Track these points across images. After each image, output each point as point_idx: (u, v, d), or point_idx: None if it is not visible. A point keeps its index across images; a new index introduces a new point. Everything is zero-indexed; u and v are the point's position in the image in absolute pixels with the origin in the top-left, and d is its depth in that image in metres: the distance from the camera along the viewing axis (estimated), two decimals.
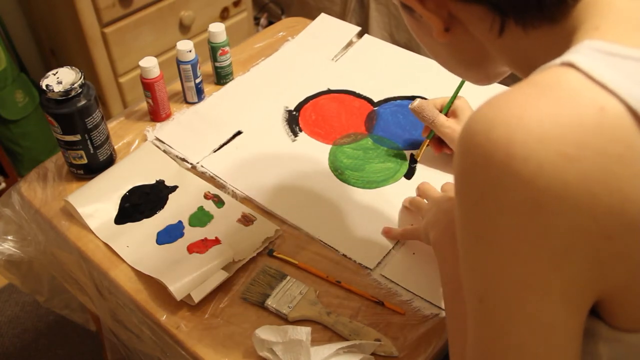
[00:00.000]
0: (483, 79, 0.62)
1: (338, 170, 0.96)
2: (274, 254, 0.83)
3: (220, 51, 1.09)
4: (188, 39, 1.25)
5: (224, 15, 1.90)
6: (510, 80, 0.56)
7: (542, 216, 0.40)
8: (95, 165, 0.94)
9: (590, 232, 0.40)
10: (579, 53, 0.42)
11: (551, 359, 0.43)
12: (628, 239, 0.40)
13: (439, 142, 0.95)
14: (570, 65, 0.41)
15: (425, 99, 1.08)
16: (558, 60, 0.42)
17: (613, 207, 0.39)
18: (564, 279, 0.42)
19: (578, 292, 0.43)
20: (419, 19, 0.56)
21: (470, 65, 0.60)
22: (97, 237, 0.86)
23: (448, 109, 0.92)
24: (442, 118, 0.90)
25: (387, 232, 0.85)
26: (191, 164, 0.97)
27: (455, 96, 0.92)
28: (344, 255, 0.83)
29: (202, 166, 0.97)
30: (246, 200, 0.92)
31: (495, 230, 0.42)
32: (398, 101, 1.09)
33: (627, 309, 0.45)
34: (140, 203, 0.90)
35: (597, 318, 0.46)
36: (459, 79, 0.96)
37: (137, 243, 0.85)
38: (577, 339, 0.45)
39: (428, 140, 0.95)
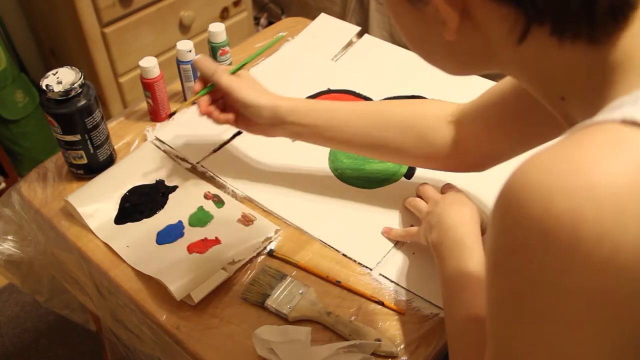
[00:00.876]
0: (460, 74, 0.56)
1: (338, 170, 0.96)
2: (274, 254, 0.83)
3: (220, 51, 1.09)
4: (188, 39, 1.25)
5: (224, 15, 1.90)
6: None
7: (613, 304, 0.34)
8: (95, 165, 0.94)
9: None
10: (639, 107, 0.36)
11: None
12: None
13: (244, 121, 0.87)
14: (635, 123, 0.35)
15: (425, 98, 1.08)
16: (616, 116, 0.36)
17: None
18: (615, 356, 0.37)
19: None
20: (422, 10, 0.48)
21: (464, 64, 0.54)
22: (97, 237, 0.86)
23: (236, 71, 0.88)
24: (222, 67, 0.84)
25: (387, 232, 0.85)
26: (191, 164, 0.97)
27: (244, 64, 0.90)
28: (344, 255, 0.83)
29: (202, 166, 0.97)
30: (246, 200, 0.92)
31: (554, 314, 0.36)
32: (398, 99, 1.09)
33: None
34: (140, 203, 0.90)
35: None
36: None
37: (137, 243, 0.85)
38: None
39: (195, 98, 0.86)
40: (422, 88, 1.11)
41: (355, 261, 0.83)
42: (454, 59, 0.53)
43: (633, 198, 0.33)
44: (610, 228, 0.33)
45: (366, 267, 0.82)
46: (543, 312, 0.36)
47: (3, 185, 1.82)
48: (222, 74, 0.83)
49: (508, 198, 0.36)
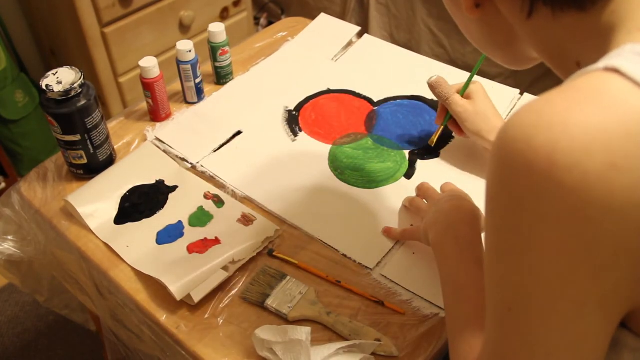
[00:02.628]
0: (512, 62, 0.61)
1: (338, 170, 0.96)
2: (274, 254, 0.83)
3: (220, 51, 1.09)
4: (188, 39, 1.25)
5: (224, 15, 1.90)
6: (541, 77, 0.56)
7: (585, 227, 0.39)
8: (95, 165, 0.94)
9: (634, 245, 0.39)
10: (623, 58, 0.40)
11: None
12: None
13: (457, 124, 0.94)
14: (615, 70, 0.40)
15: (425, 98, 1.08)
16: (601, 65, 0.41)
17: None
18: (602, 290, 0.41)
19: (615, 302, 0.42)
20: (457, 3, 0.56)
21: (500, 45, 0.59)
22: (97, 237, 0.86)
23: (464, 92, 0.92)
24: (457, 97, 0.90)
25: (387, 232, 0.85)
26: (191, 163, 0.97)
27: (471, 79, 0.92)
28: (344, 255, 0.83)
29: (202, 166, 0.97)
30: (246, 200, 0.92)
31: (533, 240, 0.41)
32: (398, 101, 1.09)
33: None
34: (140, 203, 0.90)
35: (623, 327, 0.46)
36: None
37: (137, 243, 0.85)
38: (604, 349, 0.44)
39: (442, 127, 0.95)
40: (422, 88, 1.11)
41: (355, 261, 0.83)
42: (490, 43, 0.60)
43: (602, 133, 0.37)
44: (579, 158, 0.37)
45: (366, 267, 0.82)
46: (529, 241, 0.41)
47: (3, 185, 1.82)
48: (454, 102, 0.90)
49: (501, 137, 0.41)
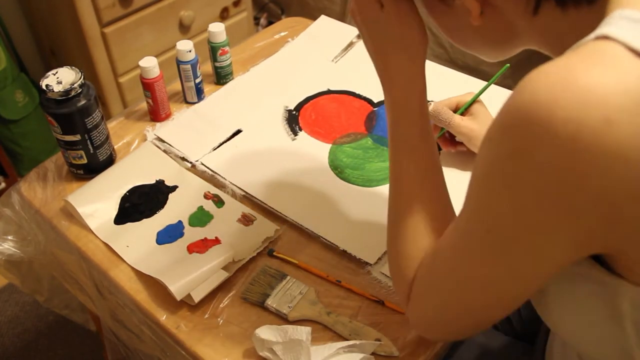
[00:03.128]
0: (500, 56, 0.63)
1: (338, 169, 0.96)
2: (274, 253, 0.83)
3: (220, 51, 1.09)
4: (188, 39, 1.25)
5: (224, 15, 1.90)
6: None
7: (573, 176, 0.42)
8: (95, 165, 0.94)
9: (616, 194, 0.42)
10: (612, 25, 0.43)
11: (515, 297, 0.53)
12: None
13: (450, 140, 0.95)
14: (606, 37, 0.42)
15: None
16: (592, 35, 0.43)
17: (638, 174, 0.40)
18: (578, 229, 0.45)
19: (586, 242, 0.46)
20: (451, 5, 0.58)
21: (496, 43, 0.61)
22: (97, 237, 0.86)
23: (465, 110, 0.92)
24: (457, 119, 0.90)
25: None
26: (191, 162, 0.97)
27: (475, 99, 0.92)
28: (344, 251, 0.83)
29: (201, 164, 0.97)
30: (246, 199, 0.92)
31: (523, 182, 0.44)
32: None
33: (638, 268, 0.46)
34: (140, 203, 0.90)
35: (620, 277, 0.48)
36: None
37: (137, 243, 0.85)
38: (547, 278, 0.51)
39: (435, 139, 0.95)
40: None
41: (355, 257, 0.82)
42: (487, 43, 0.61)
43: (600, 89, 0.40)
44: (576, 112, 0.40)
45: (366, 262, 0.82)
46: (517, 181, 0.45)
47: (3, 185, 1.82)
48: (457, 125, 0.90)
49: (512, 94, 0.45)
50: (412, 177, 0.66)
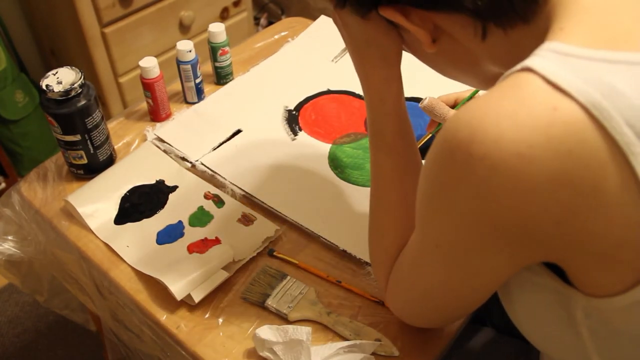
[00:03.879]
0: (482, 83, 0.64)
1: (338, 169, 0.96)
2: (274, 253, 0.83)
3: (220, 51, 1.09)
4: (188, 39, 1.25)
5: (224, 15, 1.90)
6: None
7: (496, 207, 0.44)
8: (95, 165, 0.94)
9: (538, 220, 0.44)
10: (538, 56, 0.45)
11: (474, 299, 0.57)
12: (575, 222, 0.43)
13: None
14: (529, 69, 0.44)
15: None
16: (519, 66, 0.45)
17: (562, 199, 0.42)
18: (512, 250, 0.48)
19: (524, 257, 0.49)
20: (406, 34, 0.60)
21: (465, 70, 0.62)
22: (97, 237, 0.86)
23: (463, 105, 0.92)
24: (453, 113, 0.90)
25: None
26: (191, 162, 0.97)
27: (473, 95, 0.92)
28: (344, 251, 0.83)
29: (201, 164, 0.97)
30: (246, 199, 0.92)
31: (455, 209, 0.48)
32: None
33: (589, 277, 0.48)
34: (140, 203, 0.90)
35: (574, 287, 0.50)
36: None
37: (137, 243, 0.85)
38: (503, 280, 0.53)
39: (430, 134, 0.95)
40: (422, 89, 1.11)
41: (355, 257, 0.82)
42: (458, 69, 0.62)
43: (512, 126, 0.42)
44: (491, 148, 0.42)
45: (366, 262, 0.82)
46: (450, 209, 0.48)
47: (3, 185, 1.82)
48: None
49: (444, 125, 0.47)
50: (388, 174, 0.70)
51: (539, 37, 0.48)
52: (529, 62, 0.44)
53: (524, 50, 0.49)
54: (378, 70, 0.67)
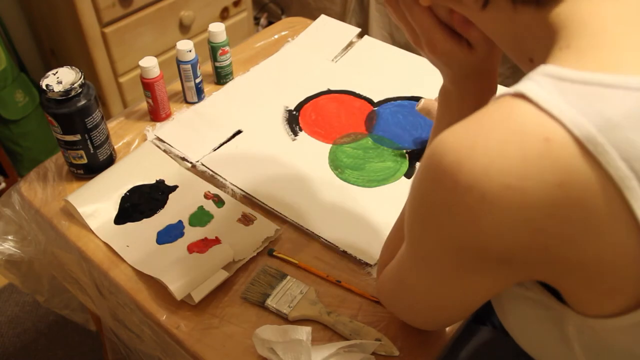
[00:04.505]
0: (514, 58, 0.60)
1: (338, 169, 0.96)
2: (274, 253, 0.83)
3: (220, 51, 1.09)
4: (188, 39, 1.25)
5: (224, 15, 1.90)
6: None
7: (480, 236, 0.44)
8: (95, 165, 0.94)
9: (527, 247, 0.43)
10: (532, 80, 0.43)
11: (462, 310, 0.57)
12: (564, 249, 0.43)
13: None
14: (522, 95, 0.42)
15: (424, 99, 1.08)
16: (512, 90, 0.43)
17: (551, 228, 0.42)
18: (496, 275, 0.48)
19: (509, 279, 0.49)
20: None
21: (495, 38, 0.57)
22: (97, 237, 0.86)
23: None
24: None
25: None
26: (191, 162, 0.97)
27: None
28: (344, 252, 0.83)
29: (202, 164, 0.97)
30: (246, 199, 0.92)
31: (440, 233, 0.47)
32: (398, 101, 1.09)
33: (581, 298, 0.48)
34: (140, 203, 0.90)
35: (567, 305, 0.50)
36: None
37: (137, 243, 0.85)
38: (489, 298, 0.54)
39: None
40: (422, 89, 1.11)
41: (355, 257, 0.83)
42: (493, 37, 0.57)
43: (501, 157, 0.41)
44: (479, 179, 0.42)
45: (366, 263, 0.82)
46: (437, 230, 0.48)
47: (3, 185, 1.82)
48: None
49: (429, 147, 0.46)
50: None
51: (549, 34, 0.46)
52: (523, 87, 0.43)
53: (533, 38, 0.47)
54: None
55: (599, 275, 0.44)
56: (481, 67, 0.60)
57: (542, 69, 0.43)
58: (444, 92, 0.67)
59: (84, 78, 0.88)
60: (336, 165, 0.97)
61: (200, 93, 1.09)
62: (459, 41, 0.57)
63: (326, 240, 0.85)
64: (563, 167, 0.40)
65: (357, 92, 1.11)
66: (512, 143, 0.41)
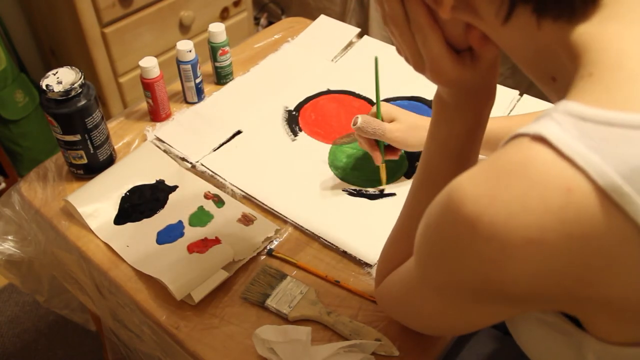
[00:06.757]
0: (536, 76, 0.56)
1: (338, 169, 0.96)
2: (274, 253, 0.83)
3: (220, 51, 1.09)
4: (188, 39, 1.25)
5: (224, 15, 1.90)
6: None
7: (499, 283, 0.43)
8: (95, 165, 0.94)
9: (548, 291, 0.42)
10: (553, 120, 0.41)
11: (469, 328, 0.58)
12: (587, 291, 0.42)
13: (393, 150, 0.91)
14: (541, 138, 0.40)
15: (424, 99, 1.08)
16: (532, 130, 0.41)
17: (573, 274, 0.41)
18: (514, 309, 0.48)
19: (527, 311, 0.50)
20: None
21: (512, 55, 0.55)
22: (97, 237, 0.86)
23: (380, 117, 0.89)
24: (387, 125, 0.88)
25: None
26: (191, 163, 0.97)
27: (378, 103, 0.89)
28: (344, 252, 0.83)
29: (202, 164, 0.97)
30: (246, 199, 0.92)
31: (455, 273, 0.46)
32: (397, 101, 1.09)
33: (603, 328, 0.47)
34: (140, 203, 0.90)
35: (585, 331, 0.48)
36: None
37: (137, 243, 0.85)
38: (501, 320, 0.54)
39: (384, 164, 0.91)
40: (422, 89, 1.11)
41: (355, 258, 0.83)
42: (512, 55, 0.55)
43: (522, 210, 0.40)
44: (499, 230, 0.40)
45: (366, 264, 0.82)
46: (450, 268, 0.47)
47: (3, 185, 1.82)
48: (389, 131, 0.88)
49: (446, 194, 0.45)
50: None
51: (572, 53, 0.44)
52: (543, 128, 0.40)
53: (551, 56, 0.45)
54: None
55: (622, 309, 0.43)
56: (481, 83, 0.59)
57: (564, 106, 0.41)
58: (440, 103, 0.65)
59: (84, 78, 0.88)
60: (336, 165, 0.97)
61: (200, 93, 1.09)
62: (463, 68, 0.56)
63: (326, 240, 0.85)
64: (585, 218, 0.39)
65: (357, 92, 1.11)
66: (533, 195, 0.40)
